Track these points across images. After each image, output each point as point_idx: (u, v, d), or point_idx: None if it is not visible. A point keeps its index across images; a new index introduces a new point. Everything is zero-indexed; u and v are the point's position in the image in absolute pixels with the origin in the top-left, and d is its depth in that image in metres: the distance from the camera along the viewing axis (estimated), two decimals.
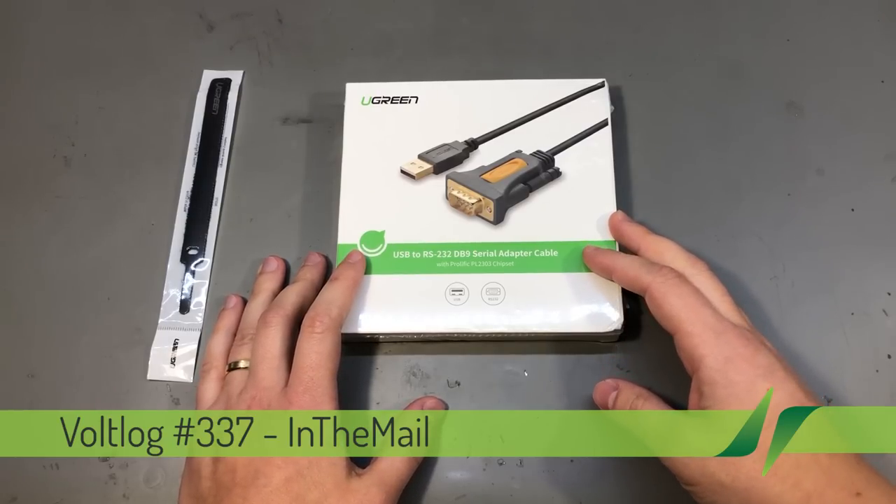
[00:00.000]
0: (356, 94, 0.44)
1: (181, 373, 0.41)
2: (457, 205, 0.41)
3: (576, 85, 0.44)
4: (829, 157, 0.45)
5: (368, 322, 0.39)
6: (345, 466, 0.33)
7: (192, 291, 0.43)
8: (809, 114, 0.46)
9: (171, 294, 0.43)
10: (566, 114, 0.43)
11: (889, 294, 0.41)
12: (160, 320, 0.42)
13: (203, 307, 0.43)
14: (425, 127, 0.43)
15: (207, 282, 0.43)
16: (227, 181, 0.46)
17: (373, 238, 0.41)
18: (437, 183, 0.42)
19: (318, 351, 0.35)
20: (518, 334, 0.39)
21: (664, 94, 0.47)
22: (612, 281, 0.38)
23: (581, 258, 0.39)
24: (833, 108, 0.46)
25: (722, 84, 0.47)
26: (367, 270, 0.40)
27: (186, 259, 0.44)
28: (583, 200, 0.41)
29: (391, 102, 0.44)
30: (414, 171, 0.42)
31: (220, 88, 0.48)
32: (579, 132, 0.43)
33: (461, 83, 0.45)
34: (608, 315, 0.38)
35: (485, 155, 0.43)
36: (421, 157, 0.42)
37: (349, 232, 0.41)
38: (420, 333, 0.40)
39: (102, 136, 0.47)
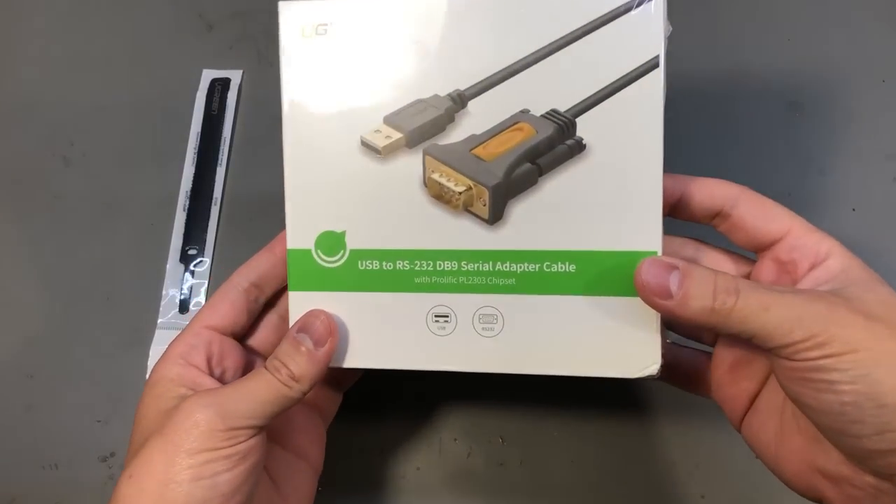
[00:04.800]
0: (294, 19, 0.30)
1: None
2: (438, 195, 0.29)
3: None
4: (831, 156, 0.45)
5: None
6: None
7: (191, 291, 0.43)
8: (810, 113, 0.46)
9: (171, 294, 0.43)
10: (594, 50, 0.28)
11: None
12: (159, 320, 0.42)
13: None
14: (390, 70, 0.30)
15: (207, 282, 0.43)
16: (227, 181, 0.46)
17: (330, 242, 0.30)
18: (413, 160, 0.30)
19: None
20: (520, 376, 0.30)
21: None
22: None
23: (611, 277, 0.28)
24: (834, 107, 0.46)
25: (722, 84, 0.47)
26: (326, 286, 0.30)
27: (186, 259, 0.43)
28: (616, 188, 0.28)
29: (343, 32, 0.30)
30: (379, 142, 0.30)
31: (219, 88, 0.48)
32: (614, 80, 0.28)
33: (434, 3, 0.29)
34: (643, 355, 0.29)
35: (476, 116, 0.29)
36: (388, 121, 0.30)
37: (299, 232, 0.30)
38: (392, 371, 0.31)
39: (102, 136, 0.47)
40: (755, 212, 0.28)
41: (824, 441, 0.25)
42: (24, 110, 0.48)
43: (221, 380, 0.30)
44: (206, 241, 0.44)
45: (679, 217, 0.30)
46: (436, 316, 0.30)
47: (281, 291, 0.32)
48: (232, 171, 0.46)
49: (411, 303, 0.30)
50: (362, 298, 0.30)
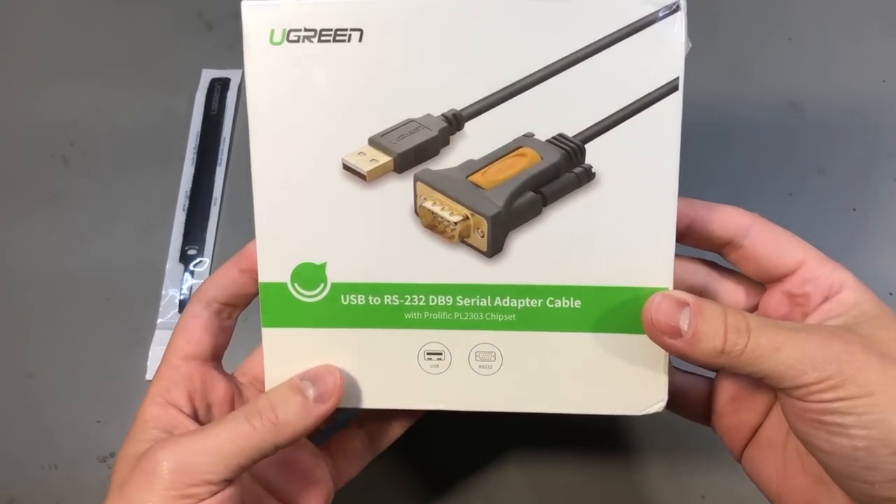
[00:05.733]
0: (260, 23, 0.26)
1: None
2: (431, 224, 0.27)
3: (624, 11, 0.25)
4: (831, 156, 0.44)
5: None
6: None
7: (190, 291, 0.43)
8: (810, 113, 0.46)
9: (170, 294, 0.43)
10: (607, 69, 0.26)
11: (891, 294, 0.41)
12: (159, 320, 0.42)
13: None
14: (378, 85, 0.26)
15: None
16: (227, 181, 0.46)
17: (309, 274, 0.27)
18: (402, 186, 0.27)
19: None
20: (519, 415, 0.28)
21: None
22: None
23: (619, 313, 0.27)
24: (834, 107, 0.46)
25: (722, 84, 0.47)
26: (304, 322, 0.28)
27: (185, 259, 0.43)
28: (627, 220, 0.26)
29: (320, 39, 0.26)
30: (364, 166, 0.26)
31: (219, 88, 0.47)
32: (628, 104, 0.26)
33: (430, 2, 0.26)
34: (649, 393, 0.27)
35: (474, 139, 0.26)
36: (373, 142, 0.27)
37: (273, 264, 0.28)
38: (380, 411, 0.29)
39: (101, 136, 0.47)
40: (767, 243, 0.27)
41: (830, 483, 0.25)
42: (24, 110, 0.48)
43: (208, 415, 0.28)
44: (205, 241, 0.44)
45: (687, 244, 0.29)
46: (428, 353, 0.28)
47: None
48: (232, 171, 0.46)
49: (401, 340, 0.28)
50: (346, 335, 0.28)
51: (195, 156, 0.46)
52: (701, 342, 0.24)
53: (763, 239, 0.27)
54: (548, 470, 0.39)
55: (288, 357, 0.28)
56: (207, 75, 0.48)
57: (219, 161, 0.46)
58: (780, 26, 0.48)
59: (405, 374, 0.28)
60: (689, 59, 0.45)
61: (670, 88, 0.26)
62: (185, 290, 0.43)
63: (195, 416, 0.27)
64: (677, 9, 0.25)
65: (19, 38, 0.50)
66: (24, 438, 0.40)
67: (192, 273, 0.43)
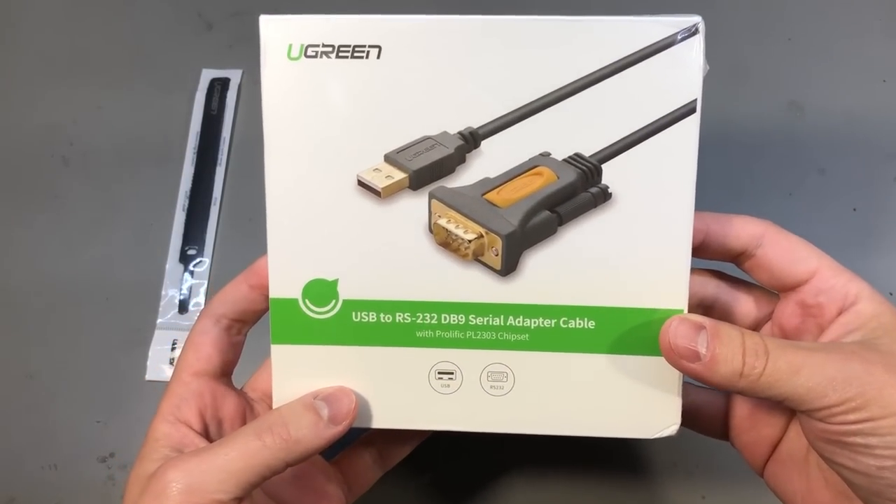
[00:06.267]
0: (278, 37, 0.26)
1: None
2: (445, 242, 0.27)
3: (642, 33, 0.25)
4: (831, 156, 0.44)
5: None
6: None
7: (190, 292, 0.43)
8: (811, 113, 0.46)
9: (170, 294, 0.43)
10: (625, 90, 0.26)
11: (891, 294, 0.41)
12: (159, 321, 0.42)
13: (202, 307, 0.42)
14: (395, 102, 0.26)
15: (206, 282, 0.43)
16: (226, 181, 0.46)
17: (321, 291, 0.27)
18: (417, 203, 0.27)
19: None
20: (531, 436, 0.28)
21: None
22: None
23: (633, 335, 0.27)
24: (834, 107, 0.46)
25: (722, 84, 0.47)
26: (314, 339, 0.28)
27: (185, 259, 0.43)
28: (643, 241, 0.26)
29: (338, 55, 0.26)
30: (379, 182, 0.27)
31: (219, 88, 0.47)
32: (646, 125, 0.26)
33: (449, 20, 0.26)
34: (662, 416, 0.27)
35: (490, 157, 0.27)
36: (389, 159, 0.27)
37: (285, 279, 0.27)
38: (389, 430, 0.29)
39: (101, 136, 0.47)
40: (781, 252, 0.27)
41: (853, 498, 0.25)
42: (24, 110, 0.48)
43: (219, 432, 0.28)
44: (205, 241, 0.44)
45: (700, 257, 0.28)
46: (439, 373, 0.27)
47: None
48: (231, 171, 0.46)
49: (412, 359, 0.27)
50: (356, 353, 0.27)
51: (195, 156, 0.46)
52: (719, 366, 0.24)
53: (775, 248, 0.27)
54: (547, 469, 0.39)
55: (297, 374, 0.28)
56: (207, 75, 0.48)
57: (219, 161, 0.46)
58: (780, 26, 0.48)
59: (416, 394, 0.27)
60: None
61: (688, 110, 0.26)
62: (184, 290, 0.43)
63: (206, 433, 0.27)
64: (696, 31, 0.25)
65: (19, 39, 0.50)
66: (24, 438, 0.40)
67: (191, 273, 0.43)
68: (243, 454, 0.24)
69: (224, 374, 0.29)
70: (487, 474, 0.39)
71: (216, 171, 0.45)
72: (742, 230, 0.27)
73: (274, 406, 0.27)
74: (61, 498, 0.39)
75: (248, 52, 0.49)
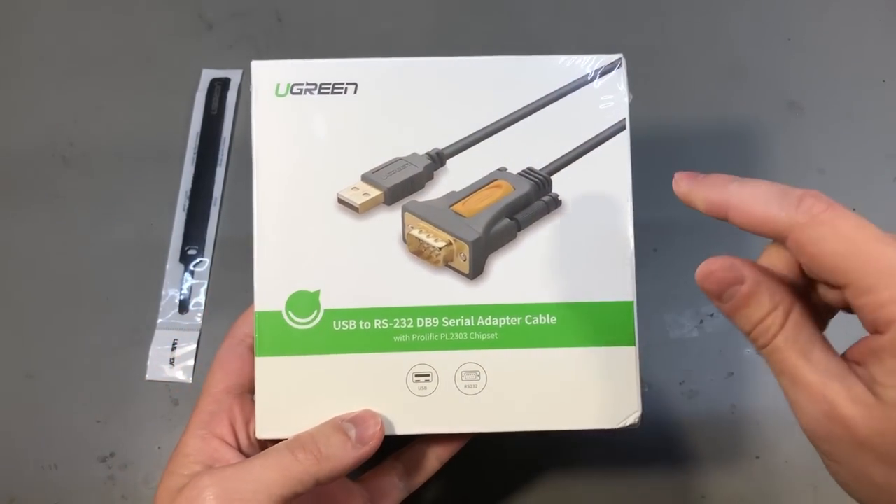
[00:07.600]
0: (267, 78, 0.31)
1: (180, 373, 0.41)
2: (418, 251, 0.30)
3: (577, 67, 0.30)
4: (831, 156, 0.44)
5: (296, 422, 0.28)
6: None
7: (191, 292, 0.43)
8: (810, 113, 0.46)
9: (170, 294, 0.43)
10: (566, 112, 0.30)
11: None
12: (159, 321, 0.42)
13: (202, 307, 0.42)
14: (370, 130, 0.30)
15: (206, 282, 0.43)
16: (227, 181, 0.46)
17: (303, 302, 0.29)
18: (391, 217, 0.30)
19: None
20: (505, 434, 0.29)
21: (664, 93, 0.47)
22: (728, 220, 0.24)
23: (590, 327, 0.29)
24: (834, 107, 0.46)
25: (722, 84, 0.47)
26: (297, 350, 0.29)
27: (185, 259, 0.43)
28: (591, 241, 0.30)
29: (319, 91, 0.30)
30: (357, 199, 0.30)
31: (219, 88, 0.47)
32: (584, 141, 0.30)
33: (416, 61, 0.31)
34: (623, 406, 0.29)
35: (454, 174, 0.30)
36: (366, 178, 0.30)
37: (270, 292, 0.29)
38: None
39: (101, 136, 0.47)
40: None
41: None
42: (24, 110, 0.48)
43: (249, 446, 0.29)
44: (205, 241, 0.44)
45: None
46: (416, 375, 0.29)
47: None
48: (231, 171, 0.46)
49: (390, 363, 0.29)
50: (336, 361, 0.29)
51: (195, 156, 0.46)
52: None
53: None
54: (546, 469, 0.39)
55: (280, 386, 0.29)
56: (207, 75, 0.48)
57: (219, 161, 0.46)
58: (780, 26, 0.48)
59: (395, 399, 0.29)
60: (690, 60, 0.45)
61: (619, 128, 0.30)
62: (185, 290, 0.43)
63: (238, 447, 0.28)
64: (620, 65, 0.30)
65: (19, 39, 0.50)
66: (24, 438, 0.40)
67: (192, 273, 0.43)
68: (277, 467, 0.25)
69: (251, 390, 0.30)
70: (487, 474, 0.39)
71: (216, 171, 0.45)
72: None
73: (258, 417, 0.28)
74: (61, 498, 0.39)
75: (248, 53, 0.49)
